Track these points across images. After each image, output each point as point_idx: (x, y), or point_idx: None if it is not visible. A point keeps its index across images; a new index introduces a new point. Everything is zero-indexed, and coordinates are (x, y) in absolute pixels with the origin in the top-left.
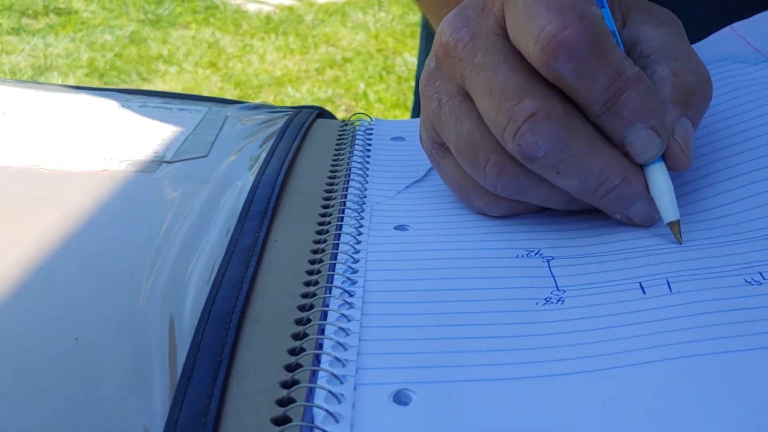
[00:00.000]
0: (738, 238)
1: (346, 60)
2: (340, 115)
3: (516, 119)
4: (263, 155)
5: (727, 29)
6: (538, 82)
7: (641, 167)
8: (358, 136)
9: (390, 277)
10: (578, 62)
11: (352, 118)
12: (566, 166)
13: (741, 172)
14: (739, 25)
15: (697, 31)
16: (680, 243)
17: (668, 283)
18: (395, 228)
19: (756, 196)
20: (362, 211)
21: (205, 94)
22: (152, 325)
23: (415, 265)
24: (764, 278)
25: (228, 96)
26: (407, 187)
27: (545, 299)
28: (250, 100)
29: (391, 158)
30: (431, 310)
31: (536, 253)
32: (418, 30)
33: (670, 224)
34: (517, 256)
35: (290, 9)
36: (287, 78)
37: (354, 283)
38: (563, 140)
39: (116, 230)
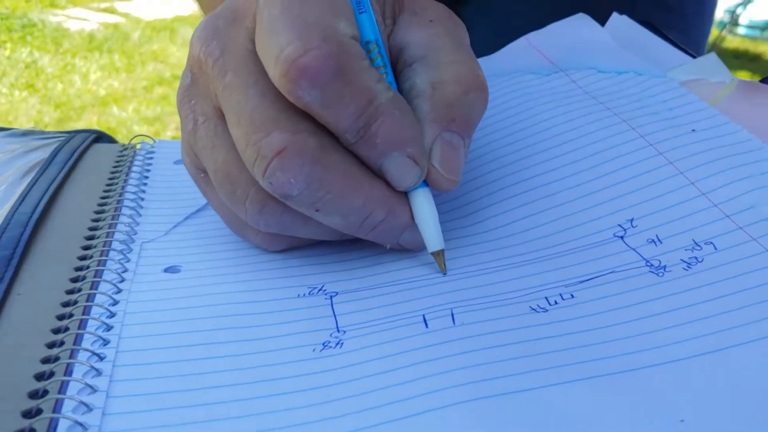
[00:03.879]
0: (522, 260)
1: (175, 77)
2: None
3: (264, 155)
4: (22, 189)
5: (521, 40)
6: (289, 110)
7: (406, 194)
8: (136, 161)
9: (151, 331)
10: (323, 90)
11: (133, 141)
12: (325, 204)
13: (526, 188)
14: (533, 36)
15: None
16: (444, 274)
17: (452, 315)
18: (165, 270)
19: (537, 215)
20: (129, 252)
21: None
22: None
23: (181, 314)
24: (550, 304)
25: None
26: (185, 219)
27: (323, 344)
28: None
29: (171, 185)
30: (189, 370)
31: (319, 290)
32: None
33: (434, 254)
34: (299, 295)
35: (115, 26)
36: (112, 97)
37: (106, 343)
38: (318, 178)
39: None
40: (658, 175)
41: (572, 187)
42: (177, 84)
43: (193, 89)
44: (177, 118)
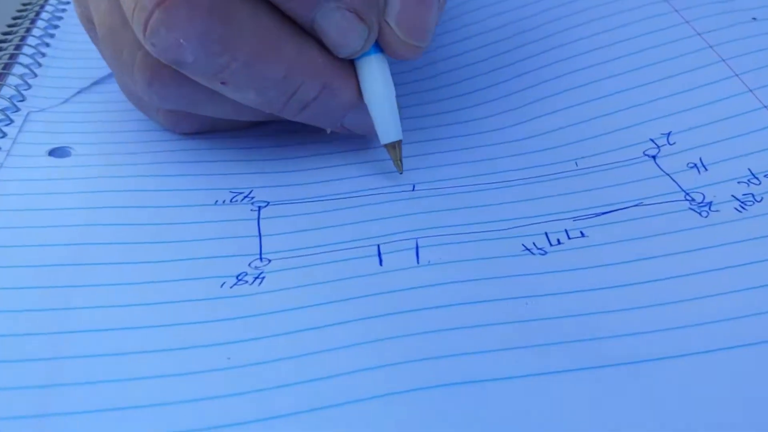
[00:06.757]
0: (512, 176)
1: None
2: None
3: (143, 4)
4: None
5: None
6: None
7: (353, 63)
8: (45, 10)
9: (17, 224)
10: None
11: None
12: (232, 74)
13: (522, 77)
14: None
15: None
16: (401, 173)
17: (417, 249)
18: (50, 153)
19: (535, 120)
20: (8, 124)
21: None
22: None
23: (57, 216)
24: (551, 243)
25: None
26: (90, 85)
27: (237, 276)
28: None
29: (81, 46)
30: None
31: (245, 197)
32: None
33: (388, 147)
34: (216, 202)
35: None
36: None
37: None
38: (217, 37)
39: None
40: (705, 75)
41: (587, 83)
42: None
43: None
44: None
